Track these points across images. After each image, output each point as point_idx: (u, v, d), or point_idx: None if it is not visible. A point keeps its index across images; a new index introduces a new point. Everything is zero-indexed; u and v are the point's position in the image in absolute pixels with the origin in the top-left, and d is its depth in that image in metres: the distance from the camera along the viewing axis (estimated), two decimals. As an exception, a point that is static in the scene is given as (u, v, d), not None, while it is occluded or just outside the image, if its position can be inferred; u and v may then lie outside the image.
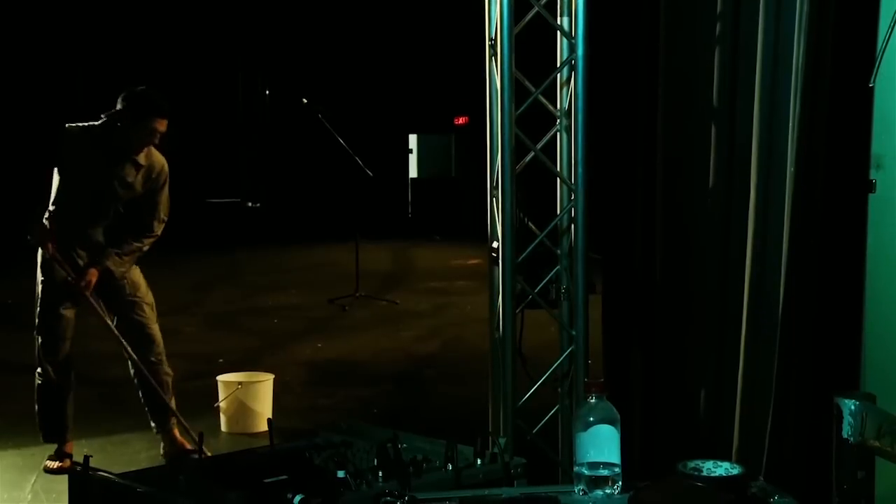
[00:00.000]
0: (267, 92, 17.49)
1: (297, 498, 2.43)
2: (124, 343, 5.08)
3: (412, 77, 15.90)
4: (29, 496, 4.89)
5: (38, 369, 5.12)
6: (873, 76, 3.02)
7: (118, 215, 5.02)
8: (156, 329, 5.15)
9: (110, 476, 2.79)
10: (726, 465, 2.41)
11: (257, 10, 15.73)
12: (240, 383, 5.88)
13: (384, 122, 16.06)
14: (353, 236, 9.96)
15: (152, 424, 5.22)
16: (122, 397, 6.69)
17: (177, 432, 5.19)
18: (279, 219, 15.95)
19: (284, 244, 14.26)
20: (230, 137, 17.43)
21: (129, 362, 5.16)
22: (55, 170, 5.01)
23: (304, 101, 9.95)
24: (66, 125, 4.94)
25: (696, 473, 2.38)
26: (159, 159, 5.02)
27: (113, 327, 5.09)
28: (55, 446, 5.22)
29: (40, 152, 5.24)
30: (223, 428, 5.85)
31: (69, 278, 4.94)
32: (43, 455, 5.39)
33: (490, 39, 4.14)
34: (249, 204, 17.06)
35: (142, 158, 4.93)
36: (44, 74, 14.91)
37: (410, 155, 16.72)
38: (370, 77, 16.09)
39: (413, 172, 16.71)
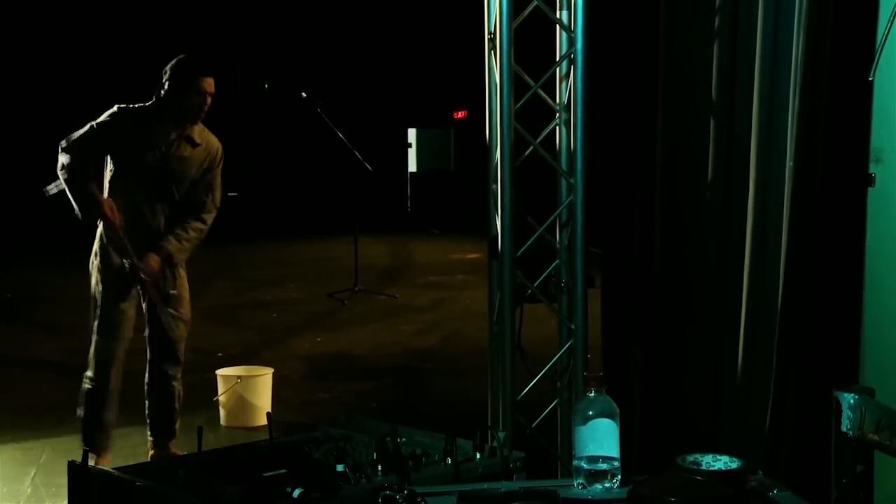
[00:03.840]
0: (266, 86, 17.49)
1: (297, 492, 2.43)
2: (151, 351, 4.93)
3: (411, 71, 15.89)
4: (28, 490, 4.88)
5: (89, 372, 4.87)
6: (873, 70, 3.02)
7: (177, 199, 4.82)
8: (183, 348, 4.96)
9: (109, 470, 2.79)
10: (725, 458, 2.41)
11: (257, 4, 15.71)
12: (239, 377, 5.88)
13: (383, 116, 16.04)
14: (352, 230, 9.96)
15: (150, 438, 5.06)
16: (122, 391, 6.68)
17: (173, 449, 5.04)
18: (278, 213, 15.95)
19: (283, 238, 14.26)
20: (229, 131, 17.41)
21: (148, 372, 4.99)
22: (104, 155, 4.77)
23: (304, 94, 9.94)
24: (116, 108, 4.73)
25: (695, 467, 2.38)
26: (215, 140, 4.88)
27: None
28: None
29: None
30: (222, 422, 5.86)
31: (126, 263, 4.72)
32: (43, 449, 5.39)
33: (489, 33, 4.13)
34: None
35: (196, 136, 4.77)
36: (42, 69, 14.89)
37: (409, 149, 16.71)
38: (369, 71, 16.08)
39: (412, 166, 16.70)
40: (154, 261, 4.76)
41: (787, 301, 3.42)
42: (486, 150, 4.22)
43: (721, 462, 2.40)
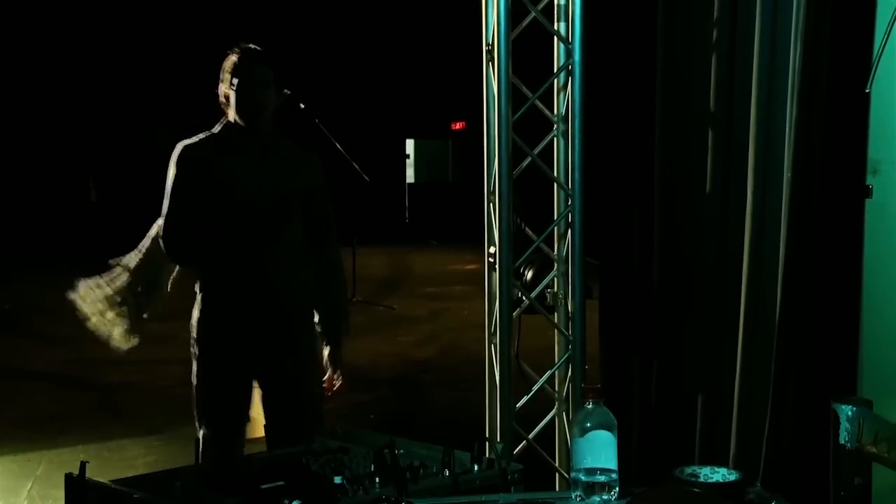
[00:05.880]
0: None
1: (294, 504, 2.43)
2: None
3: (409, 82, 15.92)
4: (25, 502, 4.87)
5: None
6: (870, 81, 3.02)
7: (290, 233, 3.77)
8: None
9: (106, 482, 2.78)
10: (723, 470, 2.41)
11: (254, 15, 15.75)
12: (237, 389, 5.86)
13: (381, 127, 16.08)
14: (351, 241, 9.96)
15: None
16: (119, 403, 6.69)
17: None
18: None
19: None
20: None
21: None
22: (175, 198, 3.76)
23: (302, 106, 9.95)
24: (178, 149, 3.81)
25: (693, 479, 2.38)
26: (307, 152, 3.96)
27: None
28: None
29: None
30: (220, 433, 5.84)
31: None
32: (40, 461, 5.38)
33: (487, 45, 4.14)
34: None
35: (280, 148, 3.85)
36: (41, 82, 14.91)
37: (407, 160, 16.74)
38: (367, 82, 16.11)
39: (410, 177, 16.73)
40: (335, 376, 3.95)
41: (786, 312, 3.42)
42: (484, 161, 4.22)
43: (719, 474, 2.39)
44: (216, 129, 3.85)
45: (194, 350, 3.79)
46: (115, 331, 4.15)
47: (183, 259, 3.86)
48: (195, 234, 3.73)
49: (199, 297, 3.78)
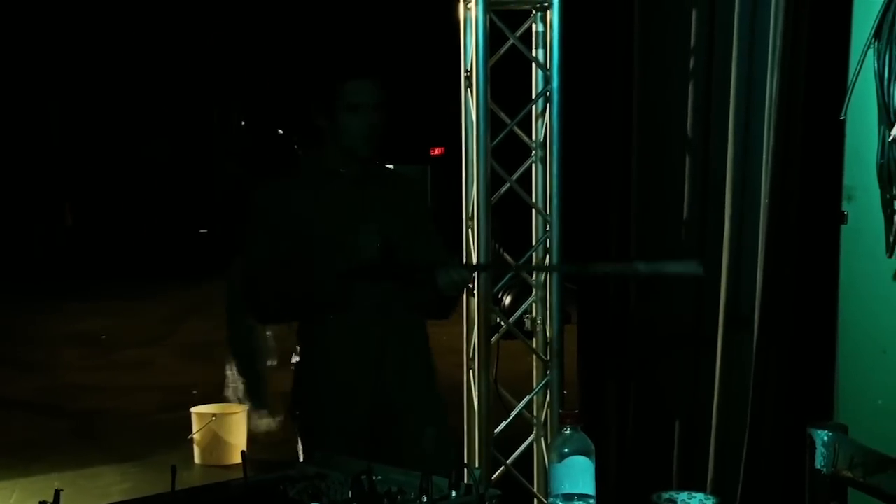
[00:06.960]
0: (243, 123, 17.49)
1: (271, 531, 2.41)
2: None
3: (388, 108, 15.98)
4: (-1, 530, 4.83)
5: None
6: (844, 108, 3.05)
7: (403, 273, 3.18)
8: None
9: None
10: (701, 496, 2.40)
11: (233, 42, 15.78)
12: (214, 415, 5.85)
13: (360, 152, 16.13)
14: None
15: None
16: (94, 430, 6.63)
17: None
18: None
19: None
20: (205, 169, 17.42)
21: None
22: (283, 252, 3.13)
23: (280, 132, 9.96)
24: (259, 188, 3.26)
25: (670, 505, 2.37)
26: (401, 174, 3.51)
27: None
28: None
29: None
30: (197, 460, 5.81)
31: None
32: (13, 489, 5.33)
33: (466, 71, 4.16)
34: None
35: (375, 174, 3.33)
36: (15, 99, 14.87)
37: (386, 185, 16.75)
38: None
39: (389, 203, 16.73)
40: None
41: (763, 337, 3.43)
42: (463, 186, 4.23)
43: (696, 499, 2.39)
44: (307, 163, 3.36)
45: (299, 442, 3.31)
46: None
47: (270, 316, 3.31)
48: (282, 284, 3.12)
49: (298, 368, 3.27)
